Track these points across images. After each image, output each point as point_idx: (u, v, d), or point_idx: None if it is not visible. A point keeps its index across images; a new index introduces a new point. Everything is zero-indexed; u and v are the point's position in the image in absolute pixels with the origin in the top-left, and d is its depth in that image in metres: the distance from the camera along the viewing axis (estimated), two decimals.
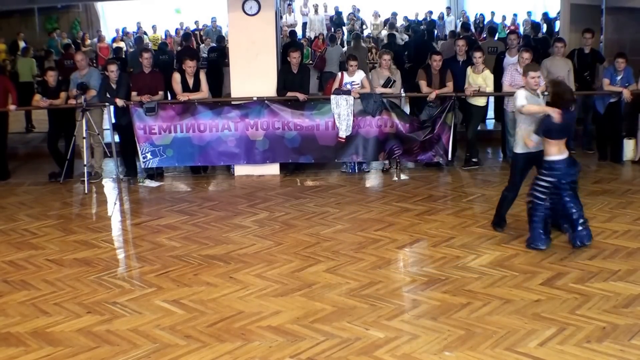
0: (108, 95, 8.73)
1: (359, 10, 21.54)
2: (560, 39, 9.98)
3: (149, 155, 8.79)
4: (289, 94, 8.79)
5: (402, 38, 16.16)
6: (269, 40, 8.93)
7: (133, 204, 8.21)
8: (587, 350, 4.29)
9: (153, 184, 8.83)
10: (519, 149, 6.28)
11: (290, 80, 8.86)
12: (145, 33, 19.27)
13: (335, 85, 8.87)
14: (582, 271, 5.56)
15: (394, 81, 8.87)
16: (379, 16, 20.62)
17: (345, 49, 15.22)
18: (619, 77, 8.84)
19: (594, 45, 10.06)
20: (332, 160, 9.14)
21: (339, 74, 9.14)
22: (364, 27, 20.18)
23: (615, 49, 10.29)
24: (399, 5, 20.97)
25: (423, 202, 7.66)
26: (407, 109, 10.12)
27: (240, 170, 9.06)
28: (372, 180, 8.94)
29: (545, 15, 18.54)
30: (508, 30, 16.85)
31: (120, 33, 19.37)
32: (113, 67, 8.82)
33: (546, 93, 6.59)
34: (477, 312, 4.87)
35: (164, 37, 19.11)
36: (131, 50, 16.49)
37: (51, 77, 8.97)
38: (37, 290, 5.44)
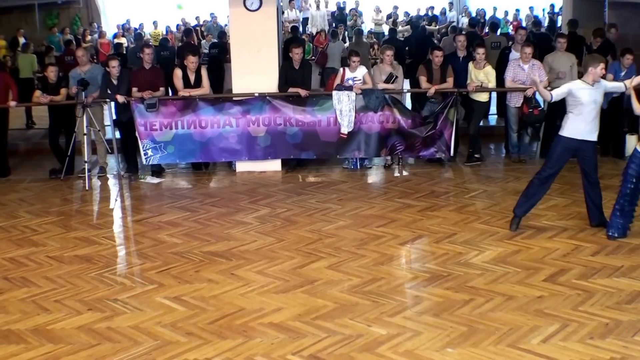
0: (109, 92, 8.71)
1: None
2: (563, 34, 9.95)
3: (150, 152, 8.76)
4: (291, 89, 8.76)
5: (404, 34, 16.13)
6: (270, 36, 8.91)
7: (134, 201, 8.18)
8: (590, 347, 4.27)
9: (154, 180, 8.81)
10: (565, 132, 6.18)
11: (292, 76, 8.83)
12: (142, 30, 19.19)
13: (337, 81, 8.84)
14: (585, 267, 5.54)
15: (396, 77, 8.84)
16: (380, 11, 20.58)
17: (347, 44, 15.19)
18: (622, 73, 8.80)
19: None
20: (334, 156, 9.11)
21: (341, 69, 9.12)
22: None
23: (618, 44, 10.25)
24: (400, 1, 20.93)
25: (425, 198, 7.64)
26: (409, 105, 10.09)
27: (242, 166, 9.04)
28: (374, 176, 8.92)
29: (551, 7, 18.53)
30: (512, 26, 16.83)
31: (121, 29, 19.33)
32: (114, 63, 8.77)
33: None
34: (479, 308, 4.85)
35: (165, 33, 19.07)
36: (131, 46, 16.45)
37: (52, 73, 8.93)
38: (37, 288, 5.43)
